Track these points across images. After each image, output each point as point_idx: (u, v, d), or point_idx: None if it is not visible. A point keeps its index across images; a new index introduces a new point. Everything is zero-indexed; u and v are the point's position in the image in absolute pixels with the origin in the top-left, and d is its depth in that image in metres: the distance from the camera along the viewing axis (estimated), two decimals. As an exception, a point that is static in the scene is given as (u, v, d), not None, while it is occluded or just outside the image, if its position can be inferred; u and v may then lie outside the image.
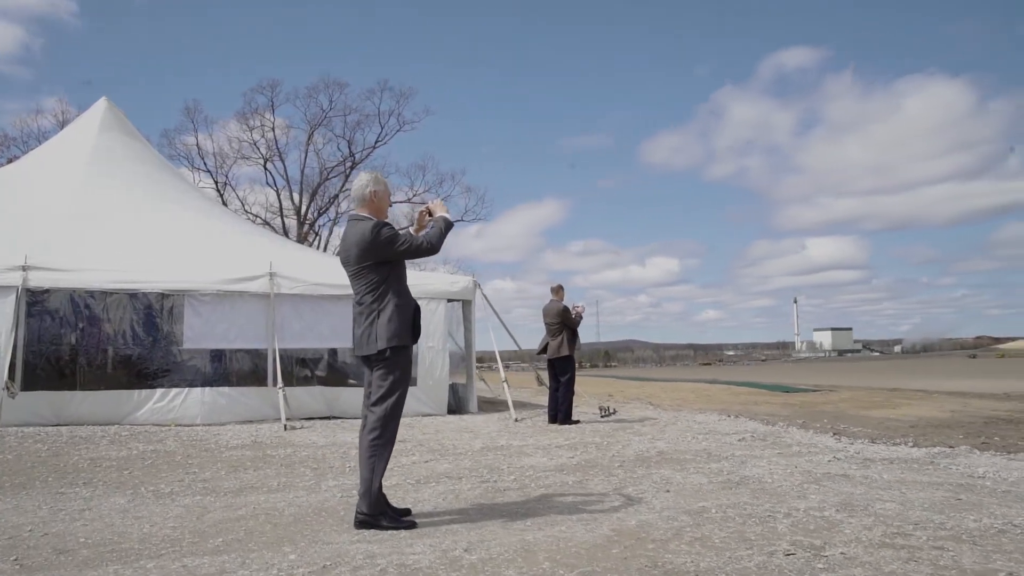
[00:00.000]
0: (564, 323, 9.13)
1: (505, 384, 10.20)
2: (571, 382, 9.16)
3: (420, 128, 35.09)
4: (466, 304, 10.94)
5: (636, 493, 4.69)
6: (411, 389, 10.16)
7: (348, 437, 7.80)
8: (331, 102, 31.99)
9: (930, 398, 12.08)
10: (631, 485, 4.96)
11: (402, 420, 9.50)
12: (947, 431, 7.80)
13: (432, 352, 10.28)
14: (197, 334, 9.19)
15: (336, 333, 9.88)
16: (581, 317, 9.20)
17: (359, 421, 9.44)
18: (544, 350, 9.25)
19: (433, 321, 10.33)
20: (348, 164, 32.66)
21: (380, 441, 3.77)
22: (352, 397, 9.89)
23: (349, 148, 32.53)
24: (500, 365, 10.30)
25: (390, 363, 3.81)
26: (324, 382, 10.75)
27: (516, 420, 9.42)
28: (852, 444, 7.01)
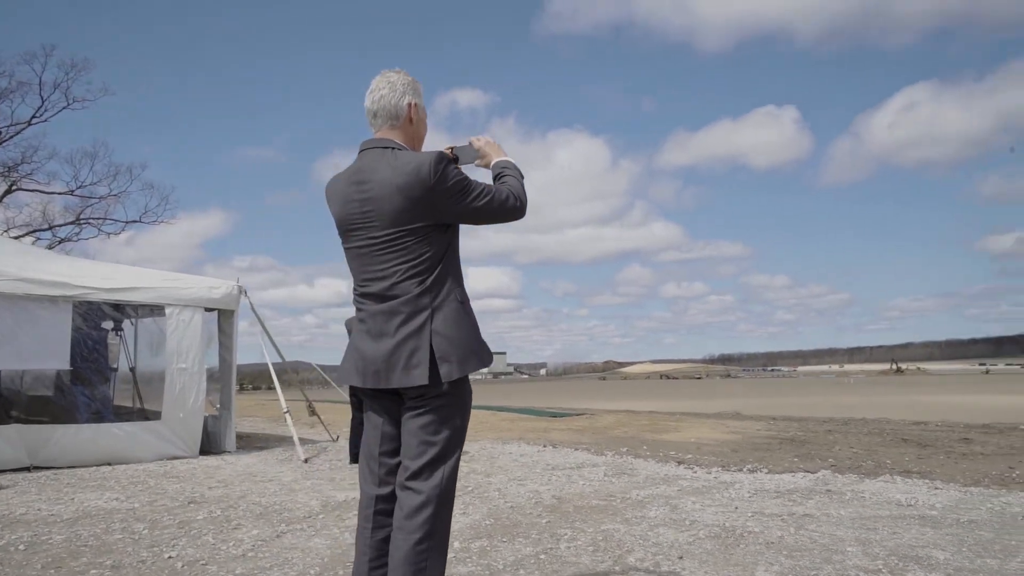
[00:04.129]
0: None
1: (288, 416, 8.16)
2: (383, 412, 7.56)
3: (94, 108, 29.09)
4: (226, 315, 8.66)
5: (647, 564, 3.54)
6: (154, 424, 7.74)
7: (96, 499, 5.37)
8: (-34, 59, 25.04)
9: (691, 420, 12.63)
10: (626, 552, 3.77)
11: (147, 467, 7.14)
12: (771, 454, 7.87)
13: (185, 375, 7.86)
14: None
15: (49, 350, 7.02)
16: None
17: (82, 471, 6.84)
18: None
19: (188, 335, 7.95)
20: (-12, 140, 25.84)
21: (433, 543, 2.10)
22: (68, 439, 7.07)
23: (-8, 120, 25.75)
24: (280, 391, 8.23)
25: (449, 403, 2.18)
26: (16, 419, 7.60)
27: (305, 461, 7.52)
28: (710, 472, 6.60)
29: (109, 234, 28.00)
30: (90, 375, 7.87)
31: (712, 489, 5.68)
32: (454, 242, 2.25)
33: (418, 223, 2.14)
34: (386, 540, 2.19)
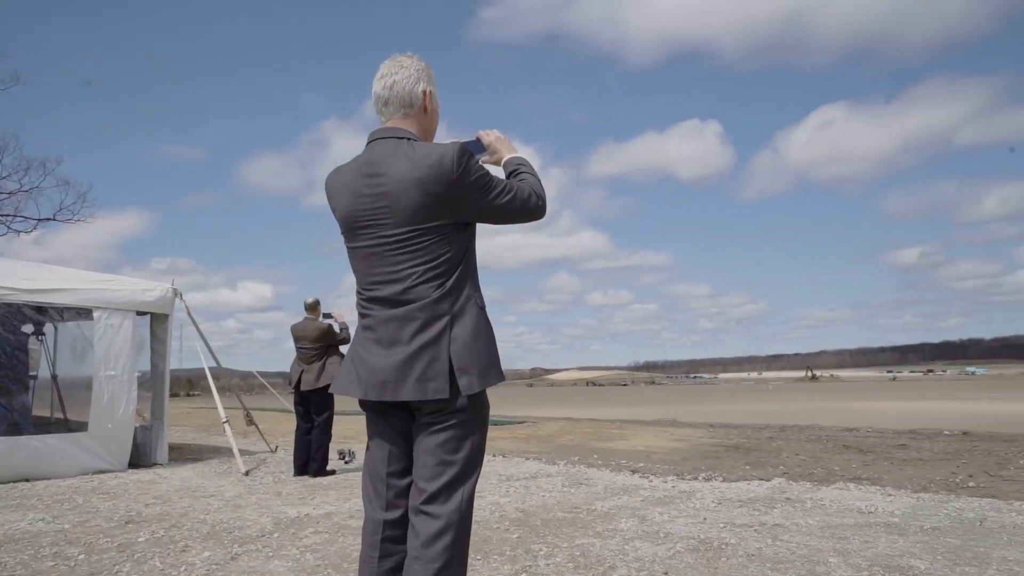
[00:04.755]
0: (328, 346, 7.22)
1: (227, 425, 7.72)
2: (328, 423, 7.26)
3: (4, 98, 27.37)
4: (159, 319, 8.17)
5: (634, 582, 3.42)
6: (79, 436, 7.24)
7: (18, 520, 4.96)
8: None
9: (633, 427, 12.67)
10: (609, 569, 3.64)
11: (71, 483, 6.61)
12: (721, 462, 7.92)
13: (114, 383, 7.35)
14: None
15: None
16: (347, 328, 7.36)
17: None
18: (298, 383, 7.18)
19: (118, 340, 7.45)
20: None
21: (452, 572, 1.90)
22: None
23: None
24: (218, 399, 7.78)
25: (468, 419, 1.99)
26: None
27: (246, 473, 7.13)
28: (666, 482, 6.57)
29: (19, 232, 26.39)
30: (8, 383, 7.26)
31: (675, 499, 5.63)
32: (472, 243, 2.08)
33: (437, 221, 1.95)
34: (396, 570, 1.99)
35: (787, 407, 29.07)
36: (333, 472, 7.23)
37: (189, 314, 8.27)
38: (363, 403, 2.08)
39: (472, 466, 2.01)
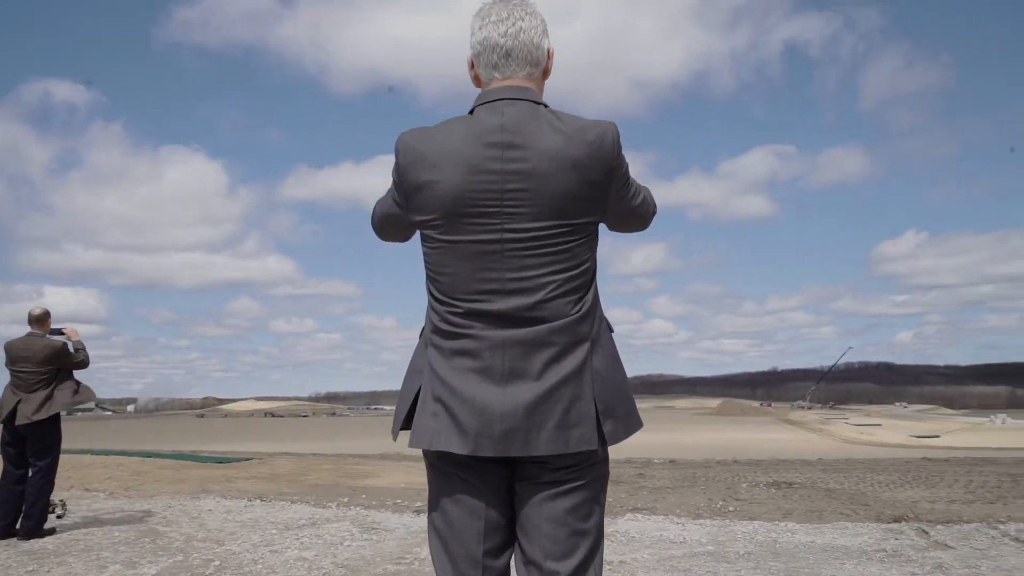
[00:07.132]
0: (59, 370, 5.71)
1: None
2: (52, 468, 5.73)
3: None
4: None
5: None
6: None
7: None
8: None
9: (373, 462, 12.07)
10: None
11: None
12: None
13: None
14: None
15: None
16: (84, 347, 5.89)
17: None
18: (12, 415, 5.55)
19: None
20: None
21: None
22: None
23: None
24: None
25: (602, 474, 1.60)
26: None
27: (-83, 540, 5.30)
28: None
29: None
30: None
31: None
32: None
33: (586, 217, 1.53)
34: None
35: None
36: (53, 531, 5.70)
37: None
38: (443, 455, 1.54)
39: (602, 535, 1.59)
